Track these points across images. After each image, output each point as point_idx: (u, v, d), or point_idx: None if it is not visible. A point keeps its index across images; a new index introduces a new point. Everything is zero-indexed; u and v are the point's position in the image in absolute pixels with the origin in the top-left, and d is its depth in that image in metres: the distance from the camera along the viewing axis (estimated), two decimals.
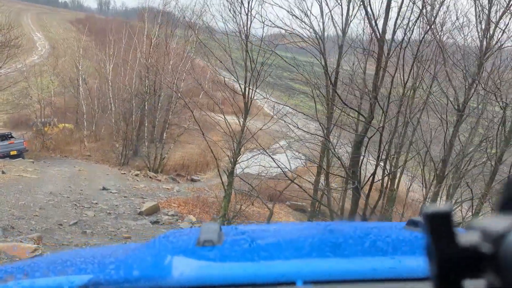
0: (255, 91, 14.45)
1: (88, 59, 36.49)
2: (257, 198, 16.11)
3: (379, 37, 8.82)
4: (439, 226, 0.49)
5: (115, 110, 28.18)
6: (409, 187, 20.13)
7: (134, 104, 26.16)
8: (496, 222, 0.49)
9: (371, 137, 8.98)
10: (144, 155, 26.34)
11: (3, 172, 16.14)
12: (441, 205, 0.51)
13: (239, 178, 16.15)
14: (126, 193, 17.38)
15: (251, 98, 14.25)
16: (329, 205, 10.97)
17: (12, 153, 20.83)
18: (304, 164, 18.80)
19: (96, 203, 14.76)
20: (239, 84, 14.35)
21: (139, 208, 14.84)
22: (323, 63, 10.89)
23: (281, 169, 10.51)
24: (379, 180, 10.13)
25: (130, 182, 20.37)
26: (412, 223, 1.27)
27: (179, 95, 14.37)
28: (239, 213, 15.46)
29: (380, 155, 9.03)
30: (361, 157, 9.42)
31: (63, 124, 32.72)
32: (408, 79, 9.09)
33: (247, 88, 14.22)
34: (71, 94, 34.02)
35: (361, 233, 1.28)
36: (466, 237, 0.49)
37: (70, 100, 34.70)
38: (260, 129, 14.16)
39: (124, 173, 22.22)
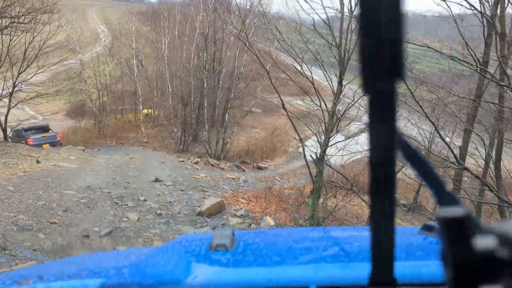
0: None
1: (144, 40, 33.42)
2: (352, 192, 11.53)
3: None
4: (454, 231, 0.46)
5: (172, 92, 24.67)
6: None
7: (192, 83, 22.37)
8: None
9: None
10: (204, 140, 22.59)
11: (37, 162, 12.92)
12: (456, 209, 0.47)
13: (328, 166, 11.68)
14: (183, 185, 13.59)
15: (348, 51, 9.69)
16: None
17: (44, 146, 18.60)
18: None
19: (144, 200, 11.02)
20: (334, 36, 9.79)
21: (199, 206, 10.93)
22: None
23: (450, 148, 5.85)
24: None
25: (189, 171, 16.62)
26: (426, 228, 1.19)
27: (247, 43, 9.97)
28: (332, 214, 11.01)
29: None
30: None
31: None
32: None
33: (343, 40, 9.74)
34: (128, 78, 31.11)
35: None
36: (482, 242, 0.46)
37: (127, 84, 31.87)
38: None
39: (183, 161, 18.54)
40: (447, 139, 14.84)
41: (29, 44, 17.76)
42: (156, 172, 14.90)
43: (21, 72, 17.98)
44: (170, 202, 11.29)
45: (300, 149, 29.00)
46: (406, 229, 1.47)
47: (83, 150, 19.38)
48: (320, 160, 10.06)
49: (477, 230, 0.47)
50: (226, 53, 22.31)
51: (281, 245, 1.17)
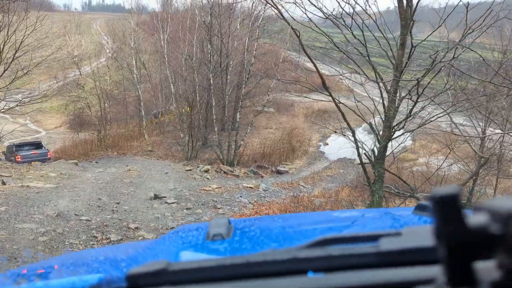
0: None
1: (145, 43, 30.56)
2: (413, 199, 8.21)
3: None
4: (447, 209, 0.46)
5: (175, 92, 21.60)
6: None
7: (197, 80, 19.25)
8: (505, 202, 0.46)
9: None
10: (214, 145, 19.44)
11: (3, 183, 9.86)
12: (448, 187, 0.47)
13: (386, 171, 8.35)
14: (190, 202, 10.45)
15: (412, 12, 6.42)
16: None
17: (33, 163, 16.35)
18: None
19: (136, 227, 7.88)
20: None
21: None
22: None
23: None
24: None
25: (198, 182, 13.46)
26: (420, 208, 1.15)
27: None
28: None
29: None
30: None
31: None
32: None
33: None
34: (130, 83, 28.19)
35: (370, 219, 1.25)
36: (475, 219, 0.46)
37: (129, 90, 28.97)
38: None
39: (190, 170, 15.39)
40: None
41: (4, 44, 14.79)
42: (157, 186, 11.78)
43: None
44: (171, 228, 8.13)
45: (322, 149, 25.70)
46: (400, 209, 1.36)
47: (76, 164, 16.38)
48: (380, 160, 6.77)
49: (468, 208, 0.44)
50: (233, 43, 19.11)
51: (277, 232, 1.15)
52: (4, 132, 17.55)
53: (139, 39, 29.49)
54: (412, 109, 6.16)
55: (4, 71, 15.18)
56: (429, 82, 5.75)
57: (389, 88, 6.79)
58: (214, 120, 19.56)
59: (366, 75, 6.69)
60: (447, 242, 0.46)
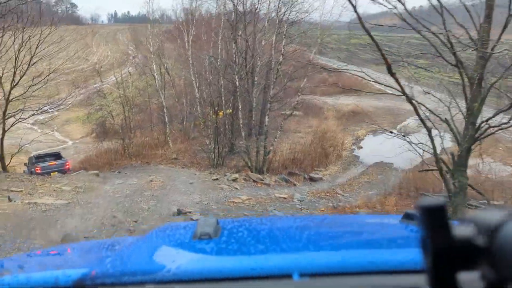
0: None
1: (169, 49, 29.69)
2: None
3: None
4: (434, 219, 0.46)
5: (200, 96, 20.37)
6: None
7: (222, 83, 17.96)
8: (490, 215, 0.47)
9: None
10: (242, 151, 18.04)
11: (9, 200, 8.75)
12: (436, 198, 0.48)
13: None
14: (218, 217, 8.94)
15: None
16: None
17: (52, 174, 15.90)
18: None
19: None
20: None
21: None
22: None
23: None
24: None
25: (225, 192, 12.06)
26: (407, 216, 1.14)
27: None
28: None
29: None
30: None
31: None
32: None
33: None
34: (154, 89, 27.35)
35: (357, 227, 1.24)
36: (460, 230, 0.47)
37: (153, 95, 28.14)
38: None
39: (217, 179, 14.01)
40: None
41: (19, 50, 13.94)
42: (181, 199, 10.45)
43: (14, 86, 14.19)
44: None
45: (356, 152, 23.88)
46: (388, 217, 1.37)
47: (97, 175, 15.32)
48: (461, 167, 5.15)
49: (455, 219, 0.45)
50: (260, 42, 17.75)
51: (265, 234, 1.14)
52: (24, 142, 16.86)
53: (160, 43, 28.72)
54: (482, 103, 4.53)
55: (21, 78, 14.36)
56: None
57: (471, 73, 5.16)
58: (240, 125, 18.19)
59: (446, 59, 5.11)
60: (432, 251, 0.45)
